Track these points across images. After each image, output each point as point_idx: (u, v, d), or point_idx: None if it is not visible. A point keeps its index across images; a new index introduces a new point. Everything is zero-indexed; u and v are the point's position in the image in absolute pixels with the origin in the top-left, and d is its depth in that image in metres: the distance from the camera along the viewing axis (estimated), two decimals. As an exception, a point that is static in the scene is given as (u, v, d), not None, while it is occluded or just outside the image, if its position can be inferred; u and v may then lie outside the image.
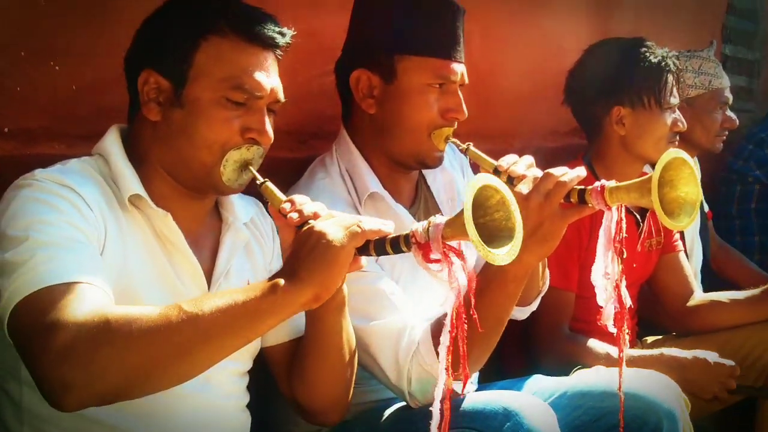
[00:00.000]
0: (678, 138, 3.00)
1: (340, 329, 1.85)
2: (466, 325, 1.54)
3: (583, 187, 1.87)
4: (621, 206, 1.84)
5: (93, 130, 1.91)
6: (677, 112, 2.99)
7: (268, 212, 1.98)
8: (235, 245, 1.93)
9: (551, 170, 1.90)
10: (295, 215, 1.70)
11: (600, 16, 3.83)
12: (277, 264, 2.03)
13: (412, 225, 1.57)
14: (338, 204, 2.16)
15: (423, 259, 1.54)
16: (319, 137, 2.60)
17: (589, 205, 1.85)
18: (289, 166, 2.25)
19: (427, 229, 1.53)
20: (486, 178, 1.50)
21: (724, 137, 3.59)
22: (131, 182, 1.76)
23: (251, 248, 1.99)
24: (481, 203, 1.49)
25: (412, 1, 2.23)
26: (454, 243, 1.53)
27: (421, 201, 2.41)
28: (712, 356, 2.74)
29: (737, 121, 3.59)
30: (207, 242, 1.92)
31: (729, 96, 3.58)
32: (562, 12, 3.60)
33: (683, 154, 1.76)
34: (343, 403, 1.98)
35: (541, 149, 3.32)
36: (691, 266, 3.43)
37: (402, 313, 2.08)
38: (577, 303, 2.84)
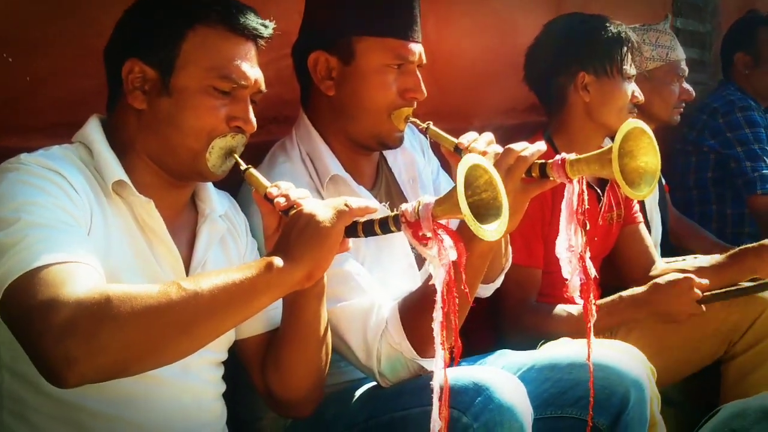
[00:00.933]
0: (636, 110, 3.04)
1: (320, 317, 1.88)
2: (457, 299, 1.58)
3: (544, 161, 1.90)
4: (582, 179, 1.87)
5: (49, 122, 1.89)
6: (634, 84, 3.04)
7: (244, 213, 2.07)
8: (211, 237, 1.95)
9: (511, 146, 1.94)
10: (282, 200, 1.74)
11: (552, -7, 3.84)
12: (250, 258, 2.05)
13: (402, 205, 1.60)
14: (300, 188, 2.16)
15: (413, 237, 1.58)
16: (278, 122, 2.59)
17: (551, 178, 1.89)
18: (248, 151, 2.23)
19: (417, 208, 1.57)
20: (475, 158, 1.55)
21: (681, 109, 3.64)
22: (115, 169, 1.78)
23: (226, 241, 2.01)
24: (470, 183, 1.53)
25: None
26: (442, 221, 1.57)
27: (382, 182, 2.41)
28: (663, 278, 2.82)
29: (693, 92, 3.65)
30: (184, 232, 1.93)
31: (685, 68, 3.64)
32: (514, -9, 3.62)
33: (642, 124, 1.80)
34: (317, 394, 2.00)
35: (500, 127, 3.31)
36: (652, 238, 3.47)
37: (369, 294, 2.09)
38: (543, 277, 2.88)
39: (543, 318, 2.78)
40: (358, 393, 2.16)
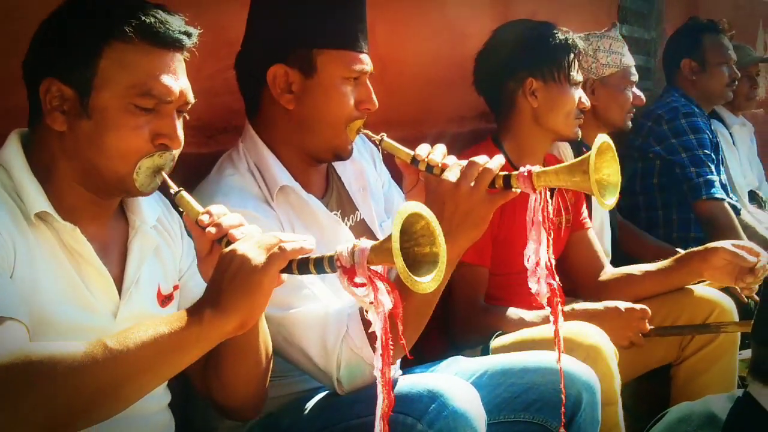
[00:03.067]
0: (582, 115, 3.09)
1: (257, 333, 1.84)
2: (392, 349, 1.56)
3: (507, 173, 1.96)
4: (545, 189, 1.93)
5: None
6: (581, 90, 3.09)
7: (178, 212, 1.97)
8: (143, 251, 1.89)
9: (474, 158, 1.98)
10: (213, 229, 1.68)
11: (500, 2, 3.88)
12: (187, 261, 2.01)
13: (338, 248, 1.55)
14: (249, 200, 2.15)
15: (348, 283, 1.54)
16: (227, 132, 2.58)
17: (514, 189, 1.95)
18: (197, 162, 2.22)
19: (352, 252, 1.52)
20: (413, 207, 1.51)
21: (632, 114, 3.71)
22: (35, 198, 1.70)
23: (160, 251, 1.95)
24: (406, 229, 1.50)
25: None
26: (379, 267, 1.54)
27: (333, 191, 2.41)
28: (623, 304, 2.82)
29: (644, 97, 3.71)
30: (115, 249, 1.87)
31: (636, 73, 3.72)
32: (463, -1, 3.64)
33: (608, 139, 1.87)
34: (259, 399, 1.97)
35: (449, 134, 3.35)
36: (602, 244, 3.52)
37: (322, 301, 2.09)
38: (492, 280, 2.89)
39: (494, 320, 2.78)
40: (313, 402, 2.15)
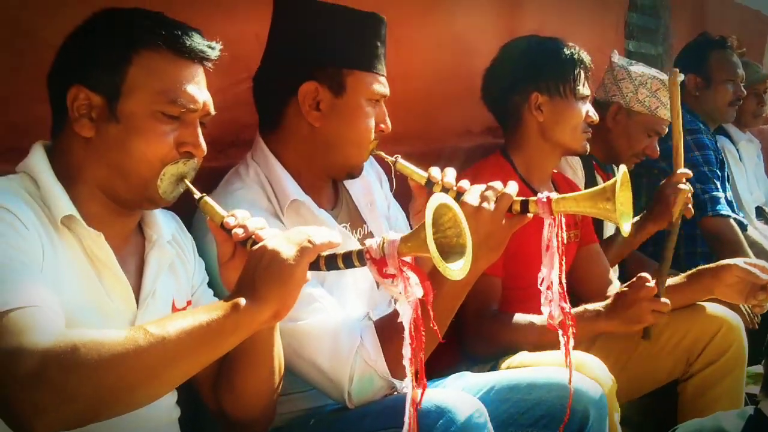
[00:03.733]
0: (590, 130, 3.09)
1: (272, 342, 1.86)
2: (424, 336, 1.59)
3: (524, 198, 2.01)
4: (560, 215, 1.98)
5: (2, 147, 1.86)
6: (588, 104, 3.10)
7: (188, 230, 2.05)
8: (160, 264, 1.92)
9: (492, 184, 2.04)
10: (240, 231, 1.73)
11: (507, 17, 3.90)
12: (198, 279, 2.04)
13: (367, 241, 1.60)
14: (258, 213, 2.13)
15: (378, 274, 1.58)
16: (236, 146, 2.58)
17: (531, 213, 2.00)
18: (207, 176, 2.22)
19: (382, 245, 1.57)
20: (441, 197, 1.56)
21: (639, 161, 3.70)
22: (63, 203, 1.73)
23: (175, 266, 1.98)
24: (435, 220, 1.53)
25: (351, 15, 2.26)
26: (407, 258, 1.58)
27: (342, 204, 2.42)
28: (620, 287, 2.84)
29: (658, 153, 3.69)
30: (132, 260, 1.90)
31: (665, 129, 3.64)
32: (470, 14, 3.66)
33: (626, 172, 1.94)
34: (270, 412, 1.99)
35: (456, 149, 3.38)
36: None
37: (333, 314, 2.09)
38: (504, 293, 2.89)
39: (504, 326, 2.77)
40: (322, 416, 2.15)
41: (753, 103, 5.16)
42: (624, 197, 1.93)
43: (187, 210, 2.06)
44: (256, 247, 1.66)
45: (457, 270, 1.55)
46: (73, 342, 1.43)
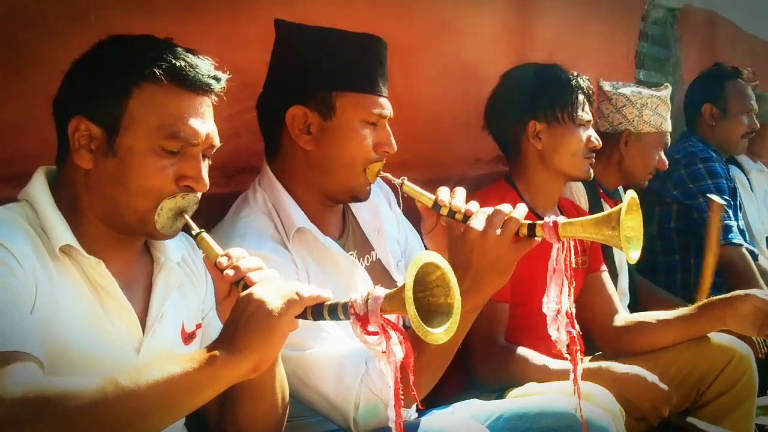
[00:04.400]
0: (593, 155, 3.09)
1: (274, 375, 1.83)
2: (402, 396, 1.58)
3: (531, 222, 1.99)
4: (569, 239, 1.96)
5: (16, 172, 1.87)
6: (591, 129, 3.11)
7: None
8: (168, 287, 1.90)
9: (499, 207, 2.01)
10: (231, 272, 1.69)
11: (517, 45, 3.91)
12: (210, 301, 2.00)
13: (352, 295, 1.57)
14: (265, 242, 2.16)
15: (361, 331, 1.55)
16: (246, 172, 2.60)
17: (537, 237, 1.98)
18: (216, 202, 2.23)
19: (366, 300, 1.53)
20: (428, 256, 1.52)
21: (652, 176, 3.73)
22: (61, 232, 1.72)
23: (184, 288, 1.97)
24: (421, 279, 1.50)
25: (345, 38, 2.27)
26: (392, 316, 1.55)
27: (349, 232, 2.42)
28: (651, 376, 2.74)
29: (668, 163, 3.74)
30: (139, 284, 1.88)
31: (669, 140, 3.75)
32: (480, 42, 3.67)
33: (636, 195, 1.92)
34: None
35: (466, 177, 3.37)
36: (619, 287, 3.50)
37: (338, 345, 2.08)
38: (513, 312, 2.87)
39: (514, 362, 2.75)
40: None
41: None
42: (633, 222, 1.91)
43: (205, 223, 2.05)
44: (243, 293, 1.62)
45: (438, 334, 1.49)
46: (42, 393, 1.42)
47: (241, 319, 1.57)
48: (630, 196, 1.89)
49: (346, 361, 2.05)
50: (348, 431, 2.08)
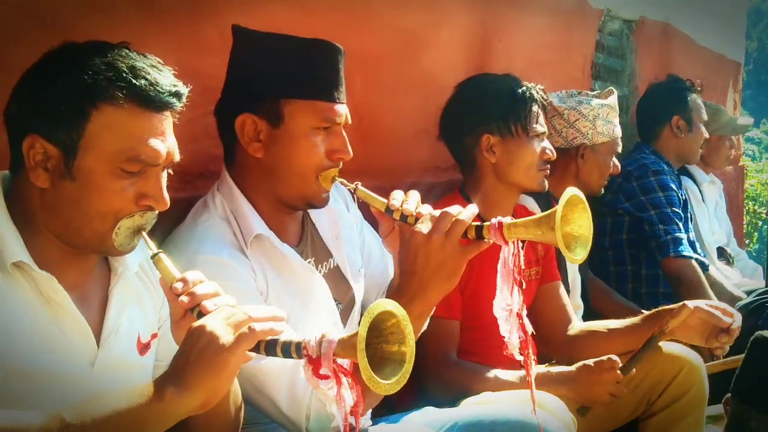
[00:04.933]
0: (548, 166, 3.11)
1: (228, 395, 1.80)
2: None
3: (479, 223, 1.95)
4: (517, 240, 1.92)
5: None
6: (546, 140, 3.12)
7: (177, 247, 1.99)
8: (125, 299, 1.87)
9: (447, 209, 1.97)
10: (186, 299, 1.66)
11: (476, 55, 3.93)
12: (167, 309, 1.97)
13: (306, 336, 1.56)
14: (224, 248, 2.15)
15: (312, 374, 1.53)
16: (204, 177, 2.58)
17: (486, 240, 1.93)
18: (174, 206, 2.21)
19: (320, 343, 1.52)
20: (384, 304, 1.51)
21: (606, 183, 3.78)
22: (13, 247, 1.68)
23: (141, 298, 1.94)
24: (376, 325, 1.49)
25: (295, 44, 2.24)
26: (344, 360, 1.53)
27: (308, 239, 2.41)
28: (591, 361, 2.80)
29: (620, 168, 3.81)
30: (95, 295, 1.85)
31: (620, 144, 3.81)
32: (439, 52, 3.69)
33: (579, 192, 1.87)
34: None
35: (424, 184, 3.39)
36: (574, 297, 3.54)
37: None
38: (463, 334, 2.89)
39: (467, 377, 2.77)
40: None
41: (726, 148, 5.26)
42: (581, 221, 1.87)
43: (163, 228, 2.03)
44: (195, 325, 1.58)
45: (389, 384, 1.48)
46: None
47: (192, 352, 1.54)
48: (569, 193, 1.85)
49: (298, 372, 2.04)
50: None
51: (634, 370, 2.85)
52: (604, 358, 2.79)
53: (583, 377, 2.77)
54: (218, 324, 1.56)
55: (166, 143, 1.75)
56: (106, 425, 1.46)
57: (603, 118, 3.67)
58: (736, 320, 2.94)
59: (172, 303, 1.71)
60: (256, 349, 1.57)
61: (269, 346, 1.57)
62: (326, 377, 1.53)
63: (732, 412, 2.13)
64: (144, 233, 1.77)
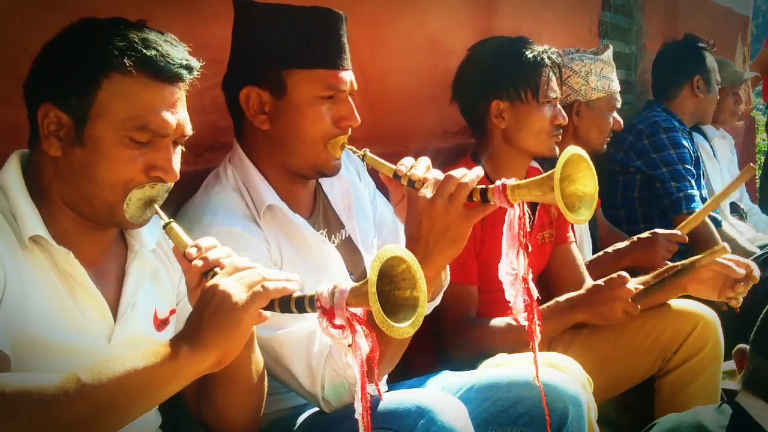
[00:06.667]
0: (561, 132, 3.10)
1: (249, 362, 1.82)
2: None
3: (484, 186, 1.93)
4: (522, 203, 1.90)
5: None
6: (558, 106, 3.09)
7: (188, 224, 1.96)
8: (141, 275, 1.89)
9: (452, 172, 1.95)
10: (200, 263, 1.67)
11: (482, 16, 3.91)
12: (185, 286, 1.99)
13: (319, 287, 1.56)
14: (237, 219, 2.16)
15: (327, 325, 1.54)
16: (214, 149, 2.58)
17: (491, 203, 1.91)
18: (185, 180, 2.21)
19: (332, 293, 1.52)
20: (393, 250, 1.51)
21: (609, 139, 3.75)
22: (31, 221, 1.70)
23: (158, 275, 1.95)
24: (387, 272, 1.49)
25: (295, 14, 2.22)
26: (358, 309, 1.54)
27: (319, 210, 2.41)
28: (600, 281, 2.84)
29: (622, 123, 3.77)
30: (112, 272, 1.86)
31: (619, 99, 3.77)
32: (445, 14, 3.67)
33: (580, 150, 1.84)
34: (254, 426, 1.96)
35: (434, 150, 3.38)
36: (582, 256, 3.54)
37: (310, 321, 2.08)
38: (481, 297, 2.90)
39: (483, 331, 2.79)
40: (301, 419, 2.16)
41: (731, 102, 5.22)
42: (584, 180, 1.84)
43: (175, 201, 2.03)
44: (208, 284, 1.60)
45: (403, 327, 1.49)
46: (3, 391, 1.41)
47: (206, 311, 1.56)
48: (569, 152, 1.81)
49: (313, 342, 2.06)
50: (319, 407, 2.10)
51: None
52: (614, 275, 2.80)
53: (594, 297, 2.80)
54: (231, 283, 1.58)
55: (176, 115, 1.76)
56: (121, 384, 1.48)
57: (596, 73, 3.64)
58: (755, 269, 2.95)
59: (186, 271, 1.73)
60: (270, 307, 1.59)
61: (283, 303, 1.58)
62: (341, 327, 1.54)
63: (752, 364, 2.13)
64: (156, 206, 1.78)
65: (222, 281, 1.58)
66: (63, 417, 1.44)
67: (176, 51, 1.76)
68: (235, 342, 1.57)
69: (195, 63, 1.79)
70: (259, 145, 2.28)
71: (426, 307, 1.54)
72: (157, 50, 1.72)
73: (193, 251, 1.70)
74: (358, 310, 1.54)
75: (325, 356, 2.04)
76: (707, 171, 4.83)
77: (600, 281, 2.86)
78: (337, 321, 1.53)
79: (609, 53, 3.74)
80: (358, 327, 1.53)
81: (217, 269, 1.65)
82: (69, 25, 1.77)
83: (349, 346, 1.55)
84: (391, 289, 1.52)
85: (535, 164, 3.29)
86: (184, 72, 1.76)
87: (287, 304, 1.58)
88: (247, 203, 2.23)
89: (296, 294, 1.59)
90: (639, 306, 2.83)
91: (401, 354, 2.09)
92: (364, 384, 1.57)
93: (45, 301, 1.69)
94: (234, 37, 2.31)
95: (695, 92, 4.66)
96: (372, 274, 1.44)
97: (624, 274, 2.81)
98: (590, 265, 3.45)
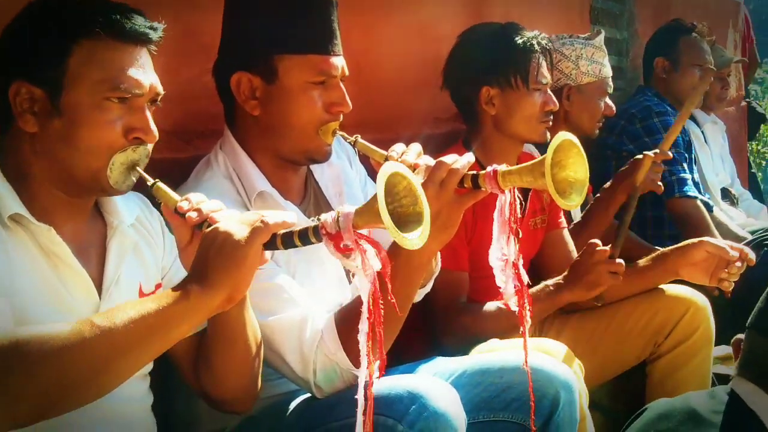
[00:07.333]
0: (551, 118, 3.09)
1: (244, 321, 1.84)
2: (382, 311, 1.57)
3: (475, 172, 1.92)
4: (513, 189, 1.89)
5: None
6: (548, 92, 3.08)
7: (158, 210, 1.97)
8: (122, 250, 1.90)
9: (443, 158, 1.94)
10: (194, 214, 1.69)
11: (473, 2, 3.91)
12: (169, 259, 2.01)
13: (321, 216, 1.56)
14: (228, 205, 2.13)
15: (335, 249, 1.55)
16: (204, 136, 2.57)
17: (483, 189, 1.90)
18: (175, 167, 2.22)
19: (337, 219, 1.54)
20: (394, 166, 1.53)
21: (601, 124, 3.75)
22: (9, 201, 1.71)
23: (140, 250, 1.96)
24: (389, 190, 1.51)
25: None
26: (364, 231, 1.55)
27: (310, 197, 2.41)
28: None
29: (614, 108, 3.76)
30: (93, 249, 1.87)
31: (611, 84, 3.76)
32: (437, 0, 3.66)
33: (570, 136, 1.83)
34: (253, 391, 1.97)
35: (425, 136, 3.36)
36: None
37: (301, 306, 2.09)
38: (472, 283, 2.90)
39: (474, 317, 2.79)
40: (293, 405, 2.16)
41: (717, 87, 5.21)
42: (575, 166, 1.83)
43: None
44: (208, 229, 1.63)
45: (414, 239, 1.52)
46: (15, 339, 1.43)
47: (210, 252, 1.58)
48: (560, 138, 1.81)
49: (305, 328, 2.06)
50: (311, 393, 2.10)
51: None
52: (585, 247, 2.82)
53: (576, 271, 2.81)
54: (232, 223, 1.61)
55: (147, 75, 1.79)
56: (135, 326, 1.50)
57: (587, 57, 3.63)
58: (749, 252, 2.96)
59: (177, 228, 1.76)
60: (272, 245, 1.60)
61: (285, 238, 1.60)
62: (349, 250, 1.54)
63: (749, 347, 2.14)
64: (139, 168, 1.80)
65: (222, 224, 1.62)
66: (80, 360, 1.46)
67: (138, 14, 1.80)
68: (241, 278, 1.59)
69: (158, 25, 1.82)
70: (249, 131, 2.28)
71: (429, 224, 1.56)
72: (121, 14, 1.76)
73: (185, 204, 1.72)
74: (364, 232, 1.55)
75: (317, 342, 2.05)
76: (698, 156, 4.83)
77: (576, 256, 2.88)
78: (345, 244, 1.54)
79: (600, 38, 3.73)
80: (366, 245, 1.54)
81: (214, 216, 1.68)
82: (29, 3, 1.78)
83: (358, 267, 1.56)
84: (394, 207, 1.54)
85: (527, 150, 3.29)
86: (149, 32, 1.79)
87: (290, 238, 1.59)
88: (237, 190, 2.23)
89: (297, 228, 1.60)
90: (623, 262, 2.83)
91: (411, 287, 2.04)
92: (377, 299, 1.56)
93: (30, 280, 1.71)
94: (224, 23, 2.29)
95: (659, 73, 4.67)
96: (379, 189, 1.47)
97: (594, 240, 2.82)
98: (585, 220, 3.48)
